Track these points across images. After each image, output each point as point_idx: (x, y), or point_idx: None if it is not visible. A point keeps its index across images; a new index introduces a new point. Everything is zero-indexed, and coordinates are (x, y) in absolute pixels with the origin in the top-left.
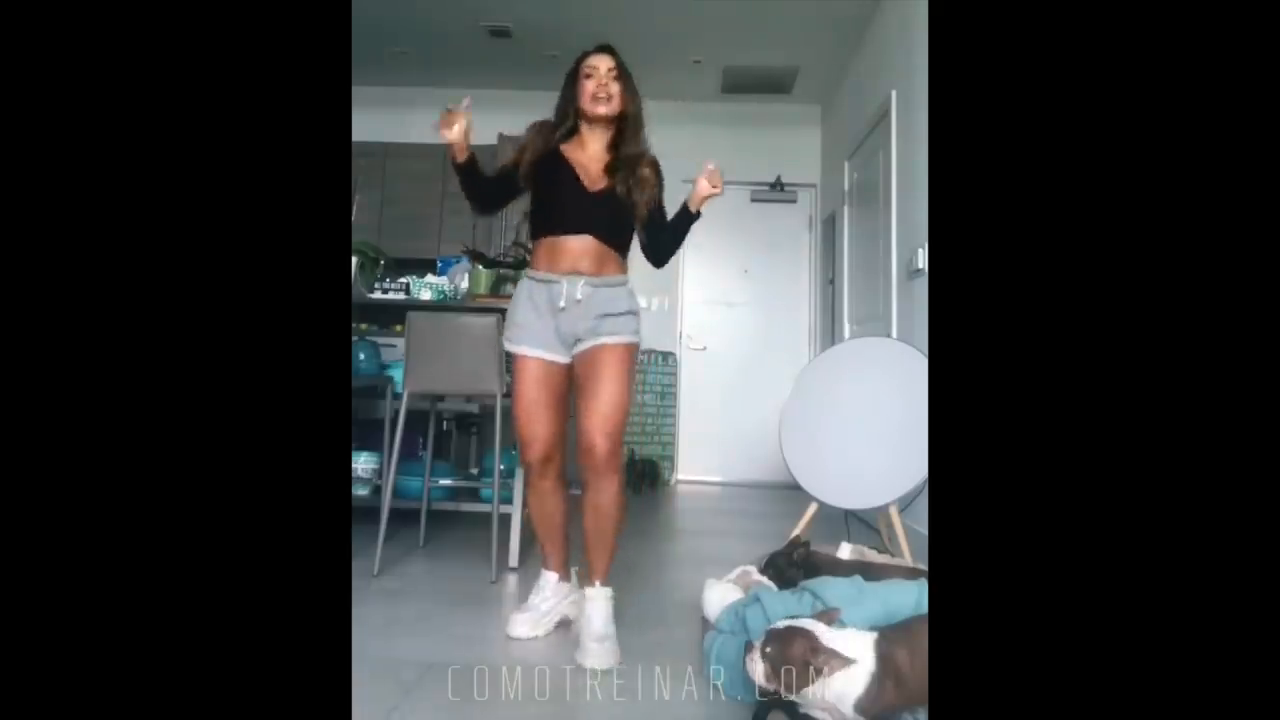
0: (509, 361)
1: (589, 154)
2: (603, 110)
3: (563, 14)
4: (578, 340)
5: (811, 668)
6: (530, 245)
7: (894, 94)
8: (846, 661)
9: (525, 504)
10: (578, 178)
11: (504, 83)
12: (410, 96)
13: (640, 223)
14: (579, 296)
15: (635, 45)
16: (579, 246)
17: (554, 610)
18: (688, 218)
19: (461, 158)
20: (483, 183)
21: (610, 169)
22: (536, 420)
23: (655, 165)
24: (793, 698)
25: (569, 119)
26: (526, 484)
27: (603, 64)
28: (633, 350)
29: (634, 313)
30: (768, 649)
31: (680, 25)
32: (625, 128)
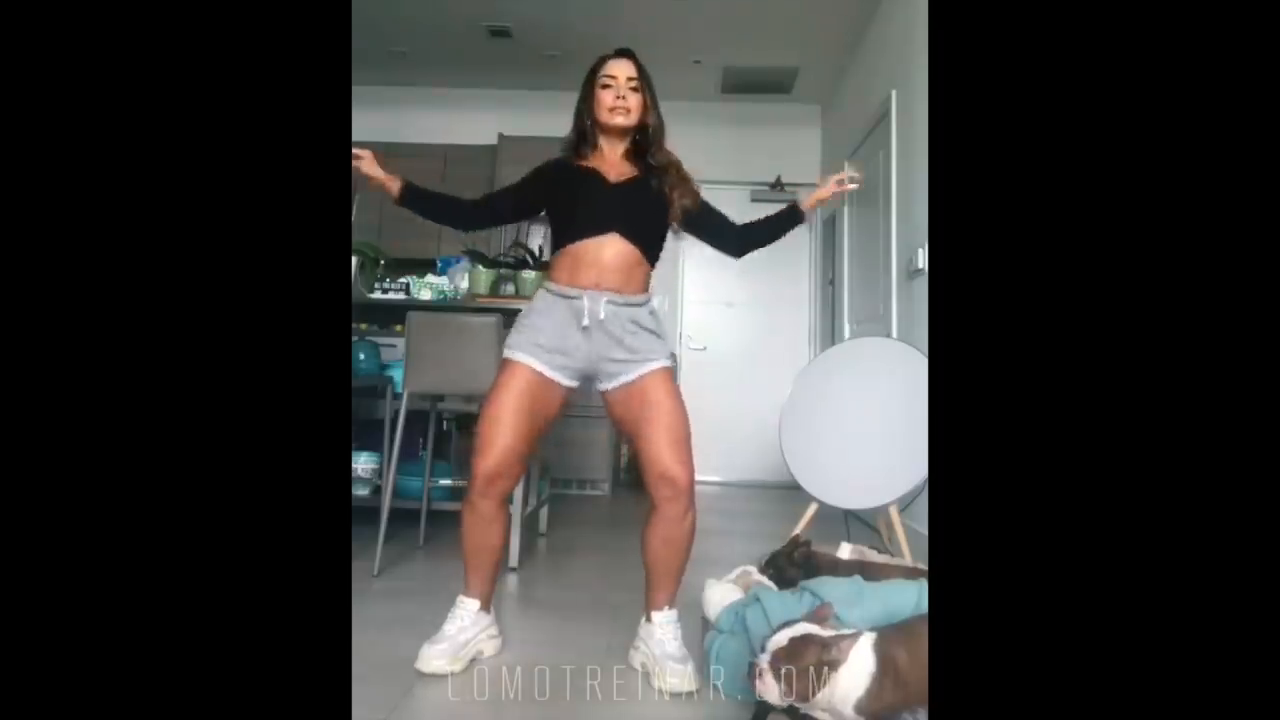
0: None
1: (613, 163)
2: (620, 121)
3: (563, 14)
4: (604, 373)
5: (826, 668)
6: (541, 254)
7: (894, 94)
8: (854, 641)
9: (460, 524)
10: (598, 175)
11: (504, 83)
12: (410, 96)
13: (684, 220)
14: (602, 315)
15: (635, 45)
16: (603, 253)
17: (472, 642)
18: (794, 218)
19: (395, 190)
20: (441, 201)
21: (636, 167)
22: (503, 425)
23: (682, 168)
24: (808, 708)
25: (587, 132)
26: (465, 501)
27: (621, 72)
28: (673, 374)
29: (663, 336)
30: (780, 666)
31: (680, 25)
32: (645, 139)
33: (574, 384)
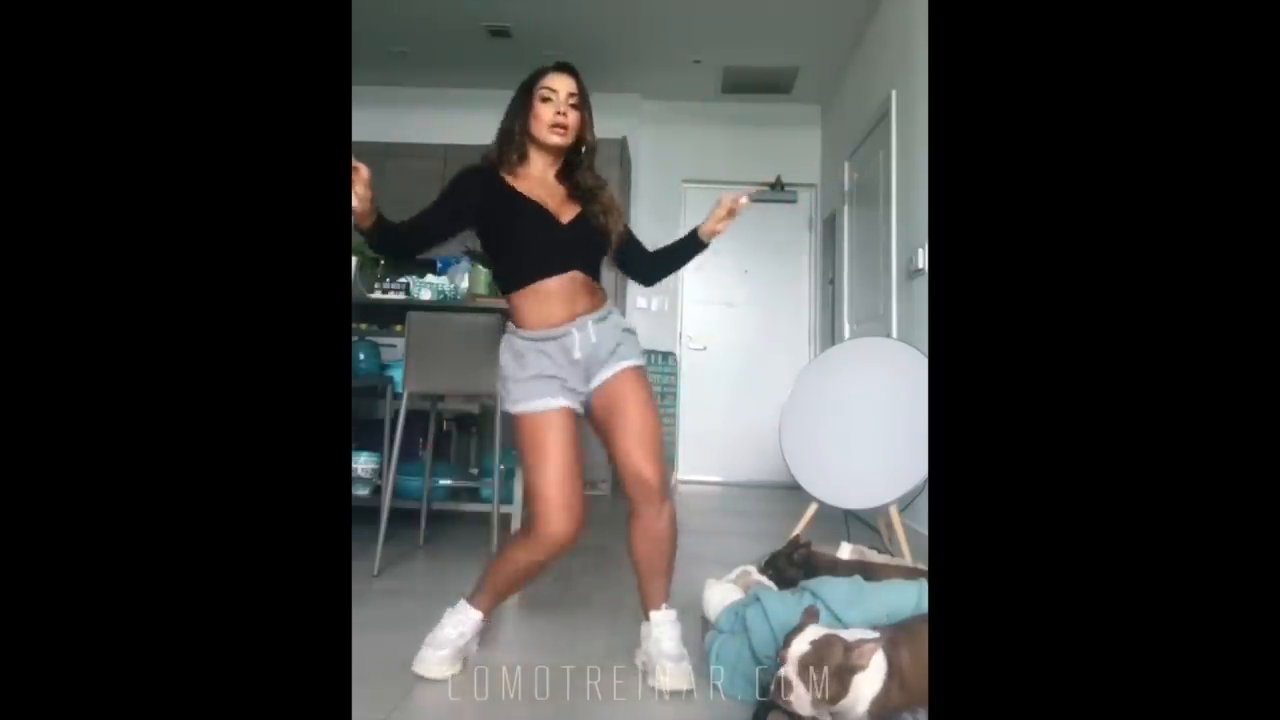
0: (508, 426)
1: (543, 184)
2: (557, 140)
3: (563, 14)
4: (591, 377)
5: (848, 672)
6: (507, 297)
7: (894, 94)
8: (876, 646)
9: (502, 555)
10: (545, 210)
11: (504, 83)
12: (410, 96)
13: (615, 249)
14: (594, 339)
15: (635, 45)
16: (569, 287)
17: (468, 647)
18: (695, 247)
19: (366, 223)
20: (395, 235)
21: (573, 197)
22: (572, 486)
23: (609, 191)
24: (836, 709)
25: (517, 145)
26: (528, 555)
27: (563, 87)
28: (645, 373)
29: (636, 334)
30: (808, 670)
31: (680, 25)
32: (579, 160)
33: (582, 411)
